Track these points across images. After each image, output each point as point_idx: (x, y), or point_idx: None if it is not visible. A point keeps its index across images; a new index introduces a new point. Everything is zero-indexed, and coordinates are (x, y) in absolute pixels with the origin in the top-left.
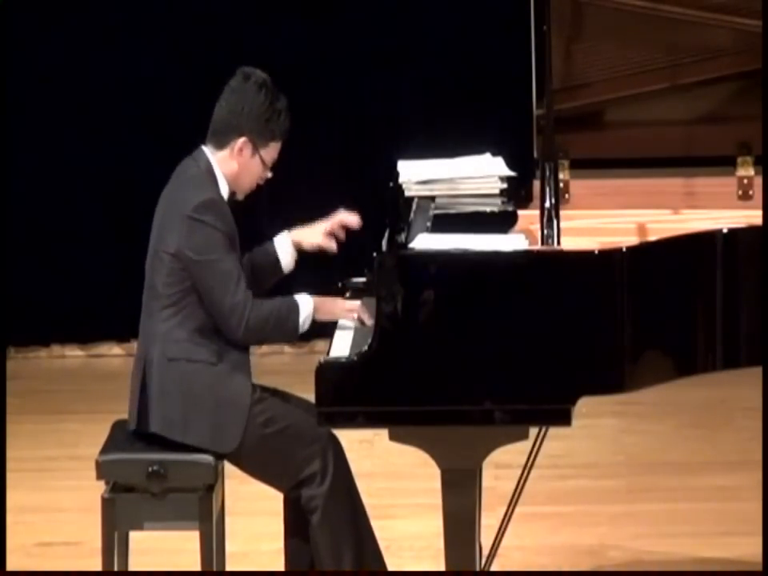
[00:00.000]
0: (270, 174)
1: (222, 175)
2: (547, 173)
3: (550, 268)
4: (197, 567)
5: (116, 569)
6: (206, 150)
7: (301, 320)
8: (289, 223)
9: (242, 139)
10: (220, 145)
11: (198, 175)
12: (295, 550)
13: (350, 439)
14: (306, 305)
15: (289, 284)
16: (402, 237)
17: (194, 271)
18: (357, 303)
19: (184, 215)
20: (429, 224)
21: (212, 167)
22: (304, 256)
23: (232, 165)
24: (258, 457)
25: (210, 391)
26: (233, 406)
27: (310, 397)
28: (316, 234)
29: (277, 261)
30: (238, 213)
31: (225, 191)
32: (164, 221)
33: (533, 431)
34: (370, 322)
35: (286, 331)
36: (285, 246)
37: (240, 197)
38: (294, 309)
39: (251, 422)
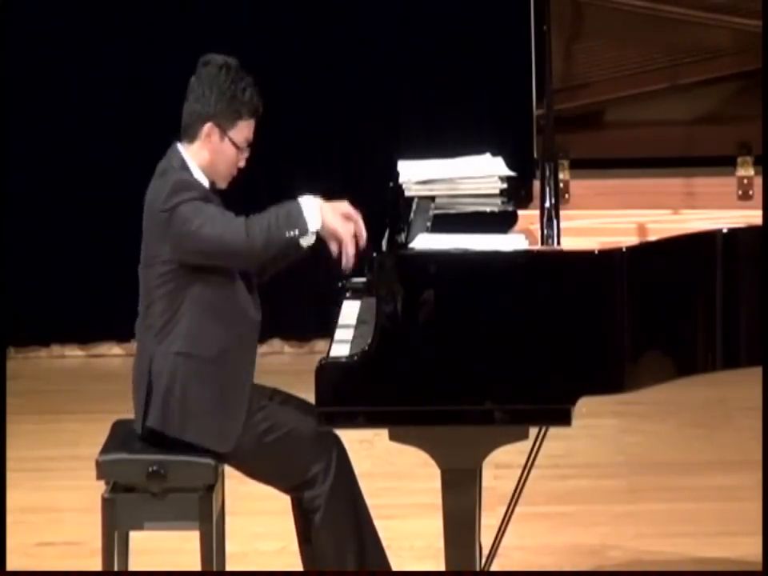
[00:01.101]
0: (246, 154)
1: (196, 167)
2: (547, 173)
3: (550, 268)
4: (197, 567)
5: (116, 569)
6: (180, 146)
7: (306, 212)
8: None
9: (208, 125)
10: (191, 138)
11: (167, 170)
12: (309, 553)
13: (350, 439)
14: (308, 199)
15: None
16: (402, 237)
17: (183, 248)
18: (357, 216)
19: (158, 214)
20: (429, 224)
21: (185, 162)
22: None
23: (204, 154)
24: (259, 463)
25: (211, 391)
26: (232, 408)
27: (310, 397)
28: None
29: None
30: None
31: (203, 182)
32: (147, 231)
33: (533, 431)
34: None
35: (294, 223)
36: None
37: (222, 185)
38: (294, 203)
39: (252, 430)
